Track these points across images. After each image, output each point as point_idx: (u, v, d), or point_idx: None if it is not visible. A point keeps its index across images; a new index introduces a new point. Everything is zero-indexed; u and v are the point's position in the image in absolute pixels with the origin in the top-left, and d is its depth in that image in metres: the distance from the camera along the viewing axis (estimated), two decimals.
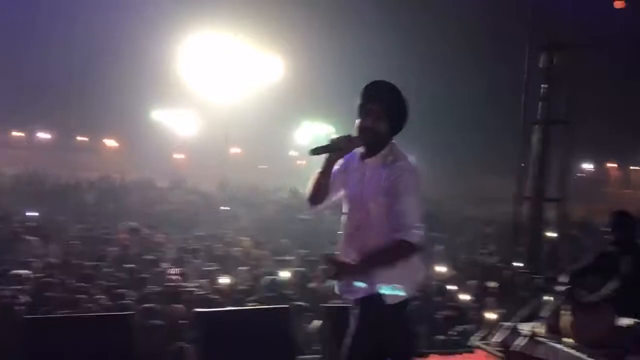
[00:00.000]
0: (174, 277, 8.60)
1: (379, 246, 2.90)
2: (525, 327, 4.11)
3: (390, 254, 2.89)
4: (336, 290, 3.13)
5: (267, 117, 30.35)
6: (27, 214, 15.20)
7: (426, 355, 5.61)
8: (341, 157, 3.07)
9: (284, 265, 9.72)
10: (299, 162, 43.94)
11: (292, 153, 44.02)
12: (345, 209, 3.14)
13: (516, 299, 6.18)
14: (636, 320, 4.21)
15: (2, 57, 31.94)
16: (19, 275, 7.53)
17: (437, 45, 31.42)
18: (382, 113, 3.04)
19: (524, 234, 6.18)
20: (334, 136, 3.11)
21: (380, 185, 2.96)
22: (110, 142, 41.35)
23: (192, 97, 26.88)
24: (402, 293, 2.98)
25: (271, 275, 8.89)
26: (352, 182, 3.09)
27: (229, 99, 23.99)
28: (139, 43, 28.74)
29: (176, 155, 38.28)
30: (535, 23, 5.81)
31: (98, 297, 6.98)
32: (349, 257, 2.99)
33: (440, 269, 10.86)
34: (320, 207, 3.23)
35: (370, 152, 3.07)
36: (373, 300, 2.95)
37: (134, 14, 28.41)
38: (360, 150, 3.10)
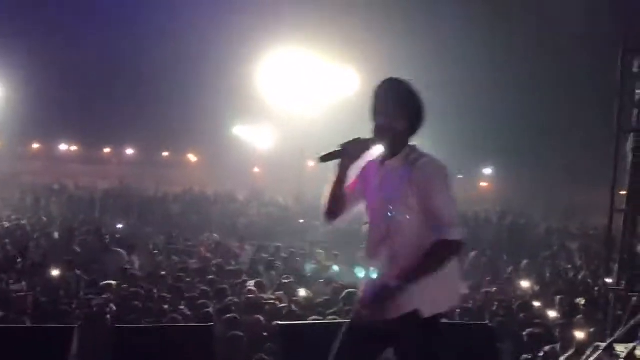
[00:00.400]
0: (253, 289, 8.68)
1: (420, 254, 2.62)
2: (622, 349, 3.84)
3: (435, 258, 2.62)
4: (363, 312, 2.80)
5: (343, 129, 30.37)
6: (118, 226, 15.95)
7: None
8: (354, 162, 2.87)
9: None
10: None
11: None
12: (368, 218, 2.91)
13: (608, 317, 5.80)
14: None
15: (94, 80, 33.99)
16: (110, 285, 7.85)
17: (522, 51, 30.53)
18: (396, 110, 2.85)
19: (616, 249, 5.81)
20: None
21: (405, 186, 2.72)
22: (193, 157, 42.90)
23: (270, 111, 27.41)
24: (441, 307, 2.75)
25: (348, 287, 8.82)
26: (372, 189, 2.87)
27: (305, 113, 24.27)
28: (221, 61, 29.69)
29: (255, 169, 39.12)
30: (629, 25, 5.47)
31: (181, 307, 7.15)
32: (380, 270, 2.73)
33: (525, 283, 10.46)
34: (337, 221, 3.02)
35: (389, 154, 2.85)
36: (413, 318, 2.66)
37: (216, 34, 29.40)
38: (378, 155, 2.89)
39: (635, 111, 5.50)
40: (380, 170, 2.86)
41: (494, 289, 10.05)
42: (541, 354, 6.60)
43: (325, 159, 2.90)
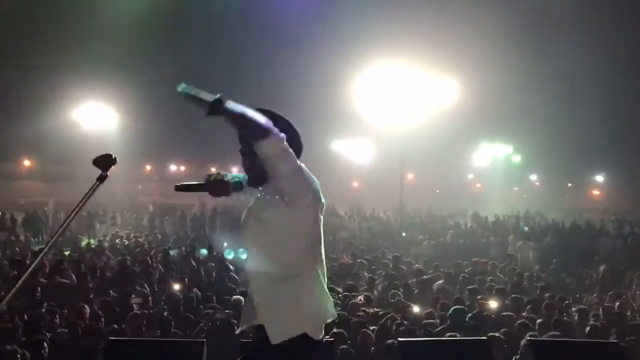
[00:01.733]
0: (359, 303, 8.69)
1: None
2: None
3: None
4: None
5: (443, 141, 30.06)
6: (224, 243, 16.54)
7: None
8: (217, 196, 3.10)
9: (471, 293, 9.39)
10: (477, 184, 42.80)
11: (470, 176, 42.97)
12: None
13: None
14: None
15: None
16: (240, 300, 8.16)
17: (631, 60, 28.88)
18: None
19: None
20: None
21: None
22: None
23: (368, 125, 27.57)
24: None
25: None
26: None
27: (404, 125, 24.16)
28: (317, 76, 30.30)
29: (354, 183, 39.38)
30: None
31: None
32: None
33: None
34: None
35: None
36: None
37: (313, 48, 30.07)
38: None
39: None
40: None
41: (617, 304, 9.49)
42: None
43: (180, 188, 3.08)
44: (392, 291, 9.66)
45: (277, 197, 2.77)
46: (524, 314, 8.13)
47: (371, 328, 7.17)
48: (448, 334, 6.56)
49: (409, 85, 23.22)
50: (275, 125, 2.75)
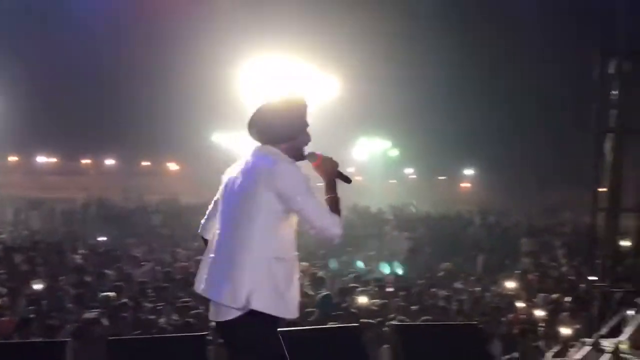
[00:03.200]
0: None
1: None
2: (608, 344, 3.95)
3: None
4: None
5: (323, 135, 30.51)
6: (98, 239, 15.78)
7: None
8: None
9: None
10: (357, 177, 44.02)
11: (351, 169, 44.11)
12: None
13: (592, 314, 5.93)
14: None
15: (70, 90, 33.69)
16: (108, 297, 7.82)
17: (501, 55, 30.96)
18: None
19: (599, 246, 5.95)
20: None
21: None
22: (173, 166, 42.61)
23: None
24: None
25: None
26: None
27: None
28: (198, 67, 29.62)
29: None
30: (605, 28, 5.65)
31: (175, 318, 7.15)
32: None
33: (509, 283, 10.60)
34: None
35: None
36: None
37: (193, 40, 29.36)
38: None
39: (613, 112, 5.65)
40: None
41: (478, 289, 10.20)
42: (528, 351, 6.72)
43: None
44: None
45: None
46: (397, 300, 8.52)
47: None
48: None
49: (290, 78, 23.34)
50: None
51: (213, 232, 3.08)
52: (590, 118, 5.82)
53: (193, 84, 30.32)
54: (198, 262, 3.18)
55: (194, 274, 3.25)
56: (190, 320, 6.92)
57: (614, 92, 5.68)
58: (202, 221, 3.22)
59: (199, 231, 3.23)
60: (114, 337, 4.94)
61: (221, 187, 3.18)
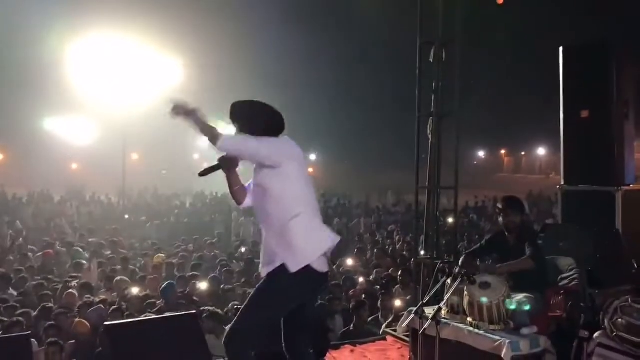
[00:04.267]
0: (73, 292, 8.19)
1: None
2: (429, 310, 4.30)
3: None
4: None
5: (167, 120, 29.54)
6: None
7: (339, 346, 5.74)
8: (234, 169, 3.54)
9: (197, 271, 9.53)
10: (205, 164, 43.31)
11: (196, 156, 43.30)
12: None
13: (422, 285, 6.43)
14: (525, 294, 4.54)
15: None
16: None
17: (337, 50, 32.08)
18: (239, 130, 3.52)
19: (424, 223, 6.45)
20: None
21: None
22: None
23: (86, 103, 25.76)
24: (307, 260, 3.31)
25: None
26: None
27: (125, 104, 23.12)
28: (26, 47, 27.14)
29: (73, 165, 36.50)
30: (424, 18, 6.07)
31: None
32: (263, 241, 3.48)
33: (350, 261, 11.13)
34: (246, 203, 3.66)
35: None
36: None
37: (19, 17, 26.80)
38: None
39: (433, 97, 6.11)
40: None
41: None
42: (366, 324, 7.12)
43: (203, 173, 3.56)
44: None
45: (263, 168, 3.40)
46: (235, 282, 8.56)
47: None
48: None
49: (131, 61, 22.27)
50: (244, 112, 3.54)
51: (310, 198, 3.52)
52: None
53: (18, 66, 27.75)
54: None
55: None
56: (19, 319, 6.42)
57: (435, 79, 6.12)
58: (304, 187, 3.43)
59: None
60: None
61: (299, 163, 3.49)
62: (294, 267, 3.28)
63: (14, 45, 27.72)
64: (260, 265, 3.49)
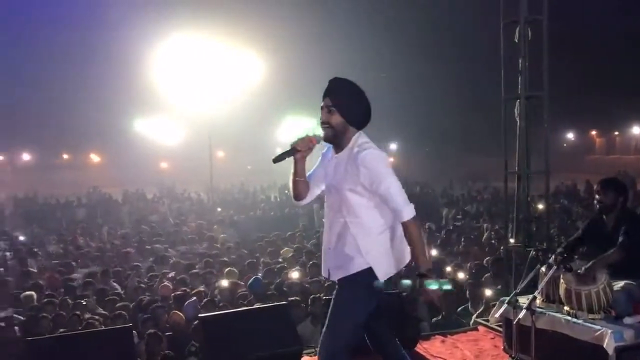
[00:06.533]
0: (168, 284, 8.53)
1: (404, 241, 3.15)
2: (523, 300, 4.15)
3: (413, 238, 3.10)
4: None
5: (251, 116, 30.27)
6: (20, 238, 15.09)
7: (430, 337, 5.66)
8: (305, 156, 3.28)
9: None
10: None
11: (278, 150, 44.08)
12: (325, 199, 3.35)
13: (513, 273, 6.22)
14: (627, 281, 4.28)
15: None
16: (31, 297, 7.53)
17: (416, 31, 31.51)
18: (332, 107, 3.19)
19: (514, 209, 6.22)
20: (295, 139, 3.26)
21: (352, 176, 3.13)
22: (95, 157, 41.12)
23: (173, 103, 26.75)
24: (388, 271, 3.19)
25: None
26: (328, 175, 3.30)
27: (210, 103, 23.81)
28: (114, 55, 28.54)
29: (162, 164, 38.10)
30: None
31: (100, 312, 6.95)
32: (331, 242, 3.26)
33: (432, 251, 10.93)
34: (305, 201, 3.45)
35: (337, 147, 3.27)
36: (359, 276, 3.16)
37: (107, 26, 28.23)
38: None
39: (520, 79, 5.87)
40: (332, 160, 3.30)
41: None
42: (455, 314, 6.99)
43: (277, 159, 3.28)
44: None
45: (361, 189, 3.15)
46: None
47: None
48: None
49: (213, 61, 22.89)
50: (338, 96, 3.20)
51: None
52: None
53: (110, 71, 29.24)
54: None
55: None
56: (121, 312, 6.77)
57: (520, 59, 5.88)
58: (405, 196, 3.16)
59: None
60: (33, 337, 4.74)
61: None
62: (382, 276, 3.17)
63: (104, 51, 29.23)
64: (329, 269, 3.29)
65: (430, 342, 5.51)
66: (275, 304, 5.11)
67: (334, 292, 3.28)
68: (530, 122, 5.84)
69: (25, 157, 40.24)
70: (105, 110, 31.10)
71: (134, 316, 7.04)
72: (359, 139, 3.21)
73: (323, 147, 3.39)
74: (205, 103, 23.84)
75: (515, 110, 5.84)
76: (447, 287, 3.20)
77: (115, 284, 9.00)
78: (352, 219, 3.16)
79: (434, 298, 3.21)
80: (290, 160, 3.30)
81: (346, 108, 3.20)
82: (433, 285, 3.07)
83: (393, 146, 42.31)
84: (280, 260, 10.38)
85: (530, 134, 5.89)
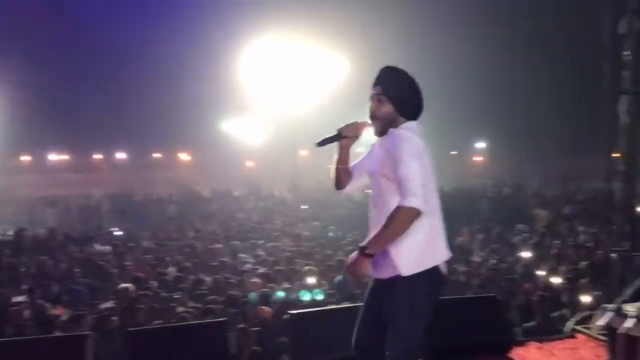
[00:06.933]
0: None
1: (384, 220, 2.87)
2: (631, 308, 3.88)
3: (393, 223, 2.82)
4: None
5: (335, 116, 30.35)
6: (116, 233, 15.86)
7: (524, 343, 5.43)
8: (352, 143, 3.17)
9: None
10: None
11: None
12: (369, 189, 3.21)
13: (613, 279, 5.86)
14: None
15: (78, 87, 33.76)
16: (126, 289, 7.89)
17: (510, 23, 30.42)
18: (382, 95, 3.06)
19: (616, 211, 5.85)
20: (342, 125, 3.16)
21: (383, 157, 2.98)
22: (184, 156, 42.73)
23: (258, 103, 27.30)
24: (424, 266, 2.95)
25: None
26: (370, 164, 3.14)
27: (294, 101, 24.13)
28: (202, 56, 29.47)
29: (248, 163, 39.02)
30: None
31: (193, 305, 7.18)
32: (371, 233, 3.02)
33: (525, 254, 10.52)
34: (346, 190, 3.30)
35: (380, 134, 3.11)
36: (396, 279, 2.95)
37: (196, 29, 29.21)
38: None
39: (626, 73, 5.51)
40: (376, 148, 3.15)
41: (494, 260, 10.12)
42: (550, 320, 6.67)
43: (321, 143, 3.17)
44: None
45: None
46: None
47: None
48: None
49: (298, 61, 23.18)
50: (389, 84, 3.06)
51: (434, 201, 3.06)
52: (603, 81, 5.68)
53: (198, 72, 30.23)
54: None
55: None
56: (210, 306, 6.95)
57: (625, 52, 5.52)
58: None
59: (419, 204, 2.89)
60: (132, 328, 4.95)
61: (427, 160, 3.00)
62: (408, 271, 2.94)
63: (193, 53, 30.23)
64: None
65: (525, 349, 5.28)
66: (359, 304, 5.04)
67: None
68: (638, 118, 5.48)
69: (120, 156, 42.42)
70: (194, 111, 32.22)
71: (223, 310, 7.21)
72: (402, 127, 3.04)
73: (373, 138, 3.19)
74: (290, 103, 24.16)
75: (620, 106, 5.49)
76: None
77: (206, 278, 9.26)
78: (382, 207, 2.96)
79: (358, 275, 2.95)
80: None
81: (398, 97, 3.06)
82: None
83: (482, 145, 41.20)
84: None
85: (632, 130, 5.53)
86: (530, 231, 13.55)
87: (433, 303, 3.01)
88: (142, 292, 7.70)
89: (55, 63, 32.91)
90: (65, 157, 41.32)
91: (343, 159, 3.19)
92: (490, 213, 17.47)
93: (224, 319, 5.20)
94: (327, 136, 3.17)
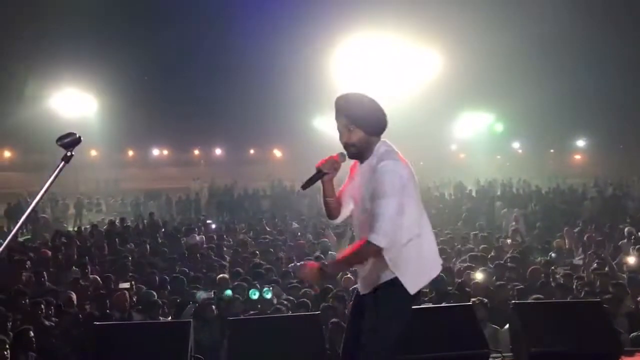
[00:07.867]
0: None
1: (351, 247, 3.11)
2: None
3: (354, 255, 3.04)
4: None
5: (425, 112, 29.97)
6: (212, 226, 16.44)
7: (634, 353, 5.14)
8: (332, 177, 3.30)
9: None
10: (461, 155, 42.94)
11: (453, 147, 43.09)
12: (352, 211, 3.35)
13: None
14: None
15: (178, 86, 35.39)
16: (224, 279, 8.22)
17: (614, 26, 28.84)
18: (351, 125, 3.14)
19: None
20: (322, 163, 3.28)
21: (366, 188, 3.08)
22: (278, 153, 43.75)
23: None
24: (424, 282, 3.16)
25: None
26: (354, 187, 3.26)
27: (384, 98, 24.01)
28: (296, 54, 29.96)
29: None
30: None
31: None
32: None
33: (631, 258, 9.92)
34: (339, 219, 3.46)
35: (361, 160, 3.21)
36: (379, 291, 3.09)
37: (290, 27, 29.74)
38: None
39: None
40: (357, 172, 3.27)
41: (595, 264, 9.61)
42: None
43: (305, 185, 3.35)
44: None
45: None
46: (505, 279, 8.22)
47: None
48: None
49: (388, 57, 23.07)
50: (352, 112, 3.16)
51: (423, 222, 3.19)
52: None
53: (292, 70, 30.79)
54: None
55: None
56: (304, 300, 7.06)
57: None
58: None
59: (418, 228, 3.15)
60: (231, 317, 5.15)
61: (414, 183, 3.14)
62: (411, 288, 3.08)
63: (287, 53, 30.84)
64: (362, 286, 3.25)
65: (635, 359, 5.00)
66: (458, 304, 4.98)
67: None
68: None
69: (217, 151, 44.10)
70: (287, 109, 32.88)
71: (316, 303, 7.31)
72: (381, 147, 3.13)
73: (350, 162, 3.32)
74: (380, 99, 24.04)
75: None
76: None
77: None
78: (364, 233, 3.05)
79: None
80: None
81: (364, 122, 3.14)
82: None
83: (581, 142, 39.27)
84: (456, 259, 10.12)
85: None
86: (636, 234, 12.75)
87: (404, 316, 3.12)
88: (237, 283, 7.95)
89: (157, 62, 34.67)
90: (166, 152, 43.51)
91: (328, 192, 3.34)
92: (593, 214, 16.61)
93: (318, 312, 5.28)
94: (310, 177, 3.31)
